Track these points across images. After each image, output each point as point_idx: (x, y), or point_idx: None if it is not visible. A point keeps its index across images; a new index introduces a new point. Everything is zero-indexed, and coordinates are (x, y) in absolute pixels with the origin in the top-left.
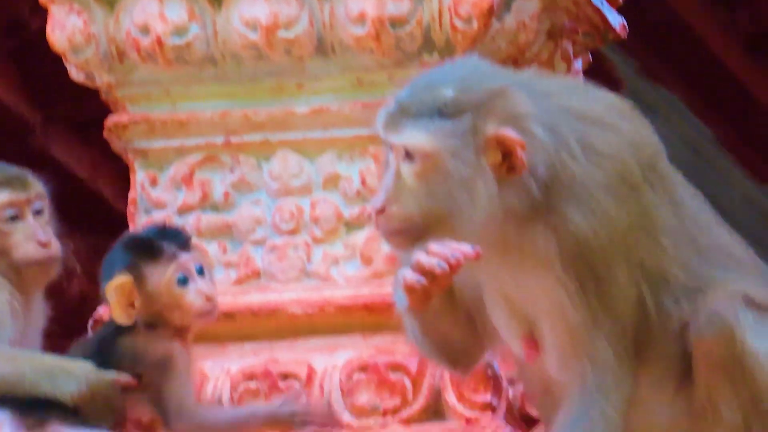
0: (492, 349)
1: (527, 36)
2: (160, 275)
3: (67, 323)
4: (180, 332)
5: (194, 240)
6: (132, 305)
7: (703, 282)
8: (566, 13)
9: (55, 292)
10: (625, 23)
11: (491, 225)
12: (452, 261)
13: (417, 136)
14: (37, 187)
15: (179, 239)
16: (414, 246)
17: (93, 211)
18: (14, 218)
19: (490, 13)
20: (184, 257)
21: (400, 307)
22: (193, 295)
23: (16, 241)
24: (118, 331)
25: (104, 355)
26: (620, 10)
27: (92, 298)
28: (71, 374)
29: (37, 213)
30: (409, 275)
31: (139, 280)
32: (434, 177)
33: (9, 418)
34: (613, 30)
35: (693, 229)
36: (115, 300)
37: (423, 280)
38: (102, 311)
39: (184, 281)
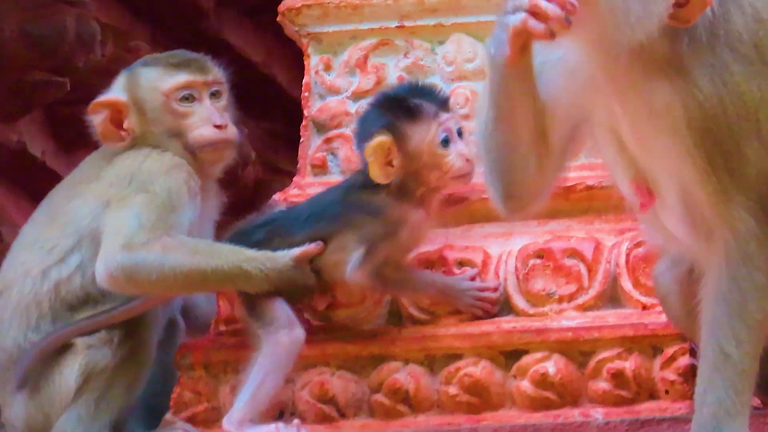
0: (549, 187)
1: None
2: (424, 134)
3: (243, 210)
4: (426, 199)
5: None
6: (390, 164)
7: None
8: None
9: (230, 179)
10: None
11: (634, 50)
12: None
13: None
14: (215, 72)
15: (440, 99)
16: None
17: (267, 96)
18: (190, 99)
19: None
20: (446, 117)
21: (496, 58)
22: (454, 156)
23: (191, 123)
24: (363, 186)
25: (345, 204)
26: None
27: (267, 184)
28: (252, 277)
29: (214, 96)
30: (521, 17)
31: (400, 139)
32: None
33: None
34: None
35: None
36: (374, 159)
37: (537, 24)
38: (278, 197)
39: (445, 142)
